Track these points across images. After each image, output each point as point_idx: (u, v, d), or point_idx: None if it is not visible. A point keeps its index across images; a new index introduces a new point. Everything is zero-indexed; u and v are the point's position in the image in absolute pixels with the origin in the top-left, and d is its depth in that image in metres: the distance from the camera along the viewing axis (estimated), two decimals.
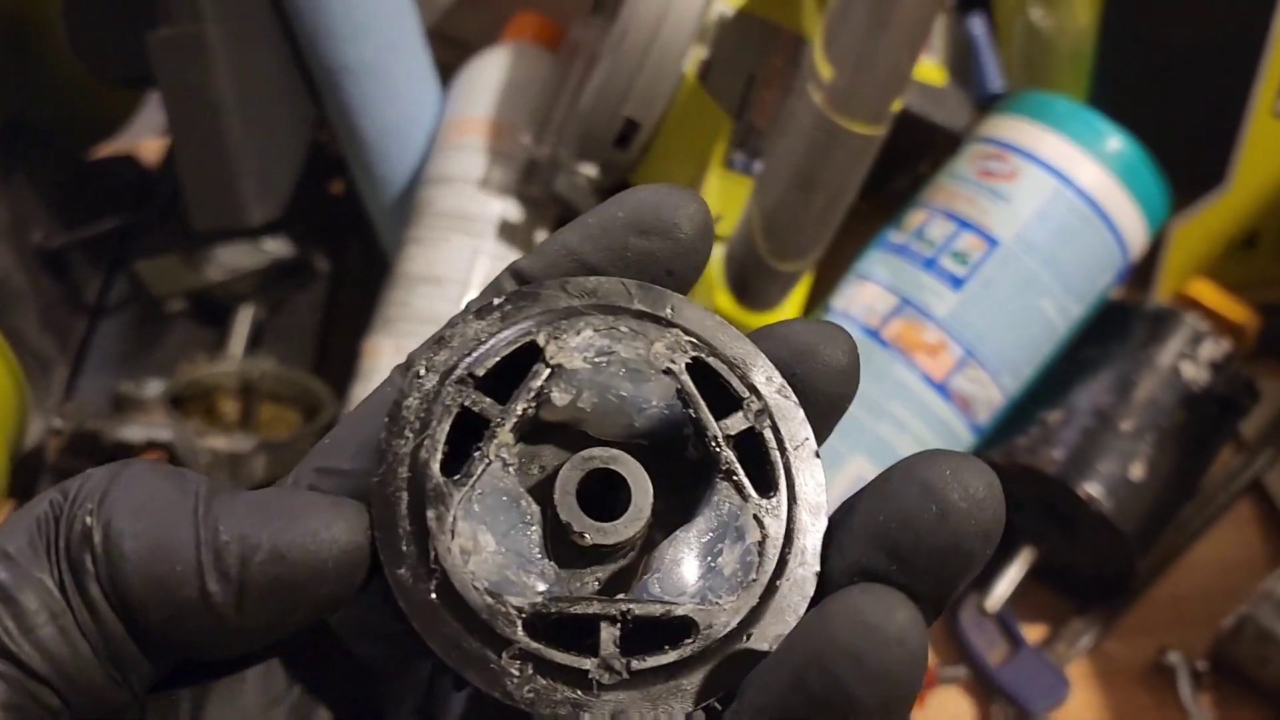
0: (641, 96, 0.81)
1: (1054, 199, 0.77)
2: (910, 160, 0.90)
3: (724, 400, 0.28)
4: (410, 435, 0.26)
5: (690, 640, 0.26)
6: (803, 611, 0.26)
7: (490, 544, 0.26)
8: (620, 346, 0.28)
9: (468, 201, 0.90)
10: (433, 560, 0.25)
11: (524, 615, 0.25)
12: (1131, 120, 0.80)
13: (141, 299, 1.04)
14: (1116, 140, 0.79)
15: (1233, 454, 0.88)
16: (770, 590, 0.26)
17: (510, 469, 0.27)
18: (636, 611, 0.26)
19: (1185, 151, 0.85)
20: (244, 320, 1.02)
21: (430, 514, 0.26)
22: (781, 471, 0.28)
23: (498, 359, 0.27)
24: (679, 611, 0.26)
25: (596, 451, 0.28)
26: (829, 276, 0.83)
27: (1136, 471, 0.76)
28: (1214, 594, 0.81)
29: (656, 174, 0.87)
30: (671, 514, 0.28)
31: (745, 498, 0.27)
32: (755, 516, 0.27)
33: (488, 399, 0.27)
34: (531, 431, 0.29)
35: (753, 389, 0.28)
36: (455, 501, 0.26)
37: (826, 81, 0.66)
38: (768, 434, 0.28)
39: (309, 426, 0.90)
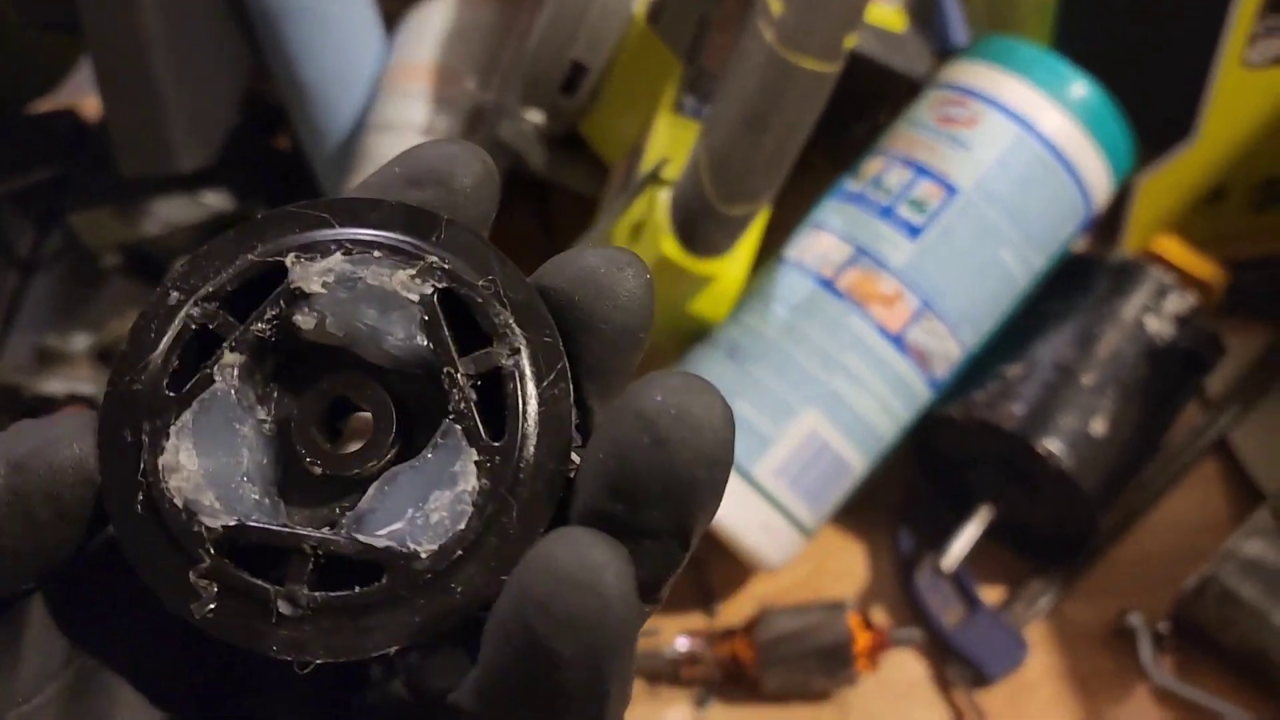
0: (589, 39, 0.78)
1: (1016, 146, 0.75)
2: (868, 110, 0.87)
3: (477, 335, 0.27)
4: (146, 351, 0.26)
5: (379, 582, 0.25)
6: (513, 567, 0.24)
7: (194, 463, 0.26)
8: (367, 273, 0.27)
9: None
10: (140, 474, 0.26)
11: (215, 535, 0.25)
12: (1097, 69, 0.77)
13: (76, 253, 1.01)
14: (1081, 86, 0.76)
15: (1197, 412, 0.86)
16: (478, 545, 0.25)
17: (234, 391, 0.27)
18: (329, 547, 0.25)
19: (1152, 102, 0.83)
20: None
21: (145, 426, 0.26)
22: (521, 416, 0.26)
23: (243, 279, 0.27)
24: (373, 553, 0.25)
25: (343, 377, 0.27)
26: (783, 228, 0.80)
27: (1098, 427, 0.73)
28: (1177, 555, 0.79)
29: (605, 120, 0.84)
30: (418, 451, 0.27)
31: (472, 442, 0.26)
32: (476, 463, 0.26)
33: (229, 318, 0.27)
34: (298, 358, 0.28)
35: (509, 326, 0.26)
36: (171, 417, 0.26)
37: (777, 16, 0.63)
38: (513, 374, 0.26)
39: None
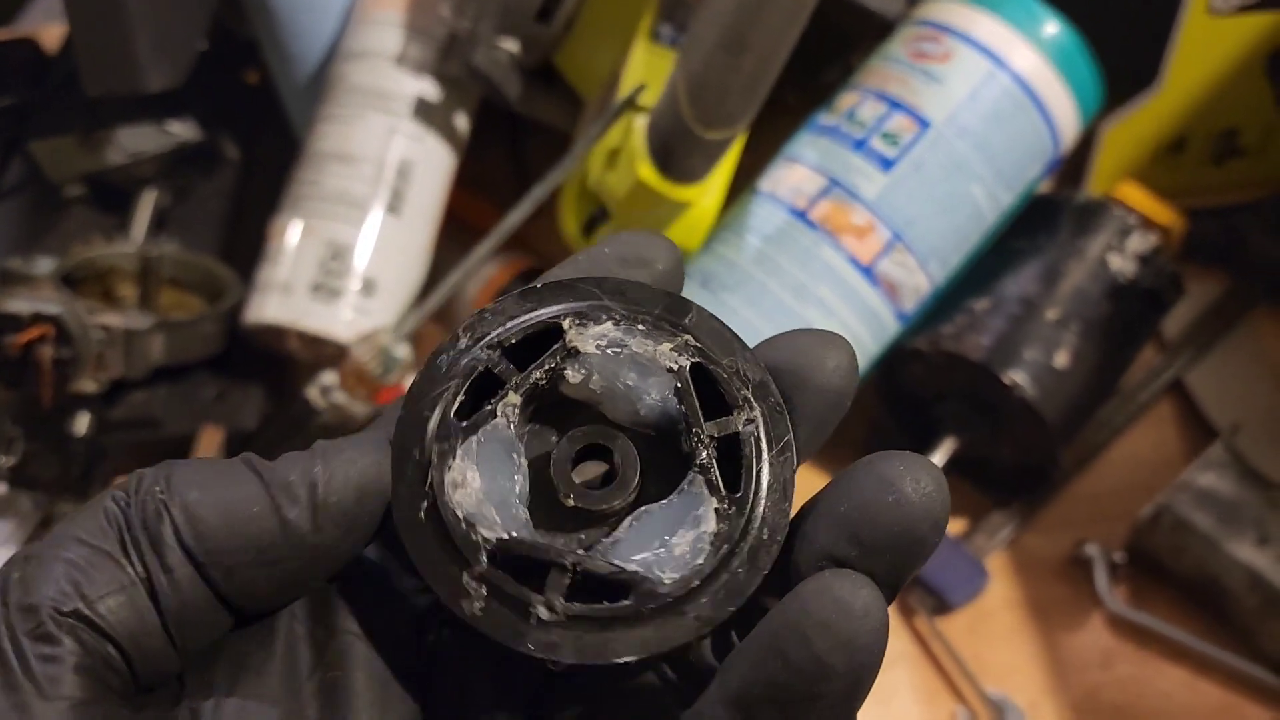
0: None
1: (987, 81, 0.76)
2: (841, 49, 0.88)
3: (720, 405, 0.31)
4: (438, 384, 0.31)
5: (628, 601, 0.29)
6: (739, 603, 0.29)
7: (477, 483, 0.30)
8: (633, 341, 0.31)
9: (384, 78, 0.86)
10: (427, 486, 0.30)
11: (490, 546, 0.29)
12: (1066, 13, 0.79)
13: (37, 183, 0.99)
14: (1053, 25, 0.77)
15: (1154, 355, 0.88)
16: (712, 578, 0.29)
17: (512, 426, 0.31)
18: (586, 564, 0.29)
19: (1118, 49, 0.84)
20: (146, 205, 0.96)
21: (435, 447, 0.30)
22: (754, 476, 0.30)
23: (525, 333, 0.31)
24: (623, 575, 0.29)
25: (597, 428, 0.32)
26: (756, 169, 0.81)
27: (1061, 360, 0.75)
28: (1132, 490, 0.81)
29: (580, 50, 0.84)
30: (656, 499, 0.31)
31: (713, 492, 0.30)
32: (716, 510, 0.30)
33: (510, 365, 0.31)
34: (554, 406, 0.32)
35: (747, 399, 0.31)
36: (458, 442, 0.30)
37: None
38: (750, 440, 0.30)
39: (212, 309, 0.86)
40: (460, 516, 0.30)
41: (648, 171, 0.70)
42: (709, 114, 0.67)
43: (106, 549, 0.27)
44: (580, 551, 0.30)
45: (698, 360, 0.31)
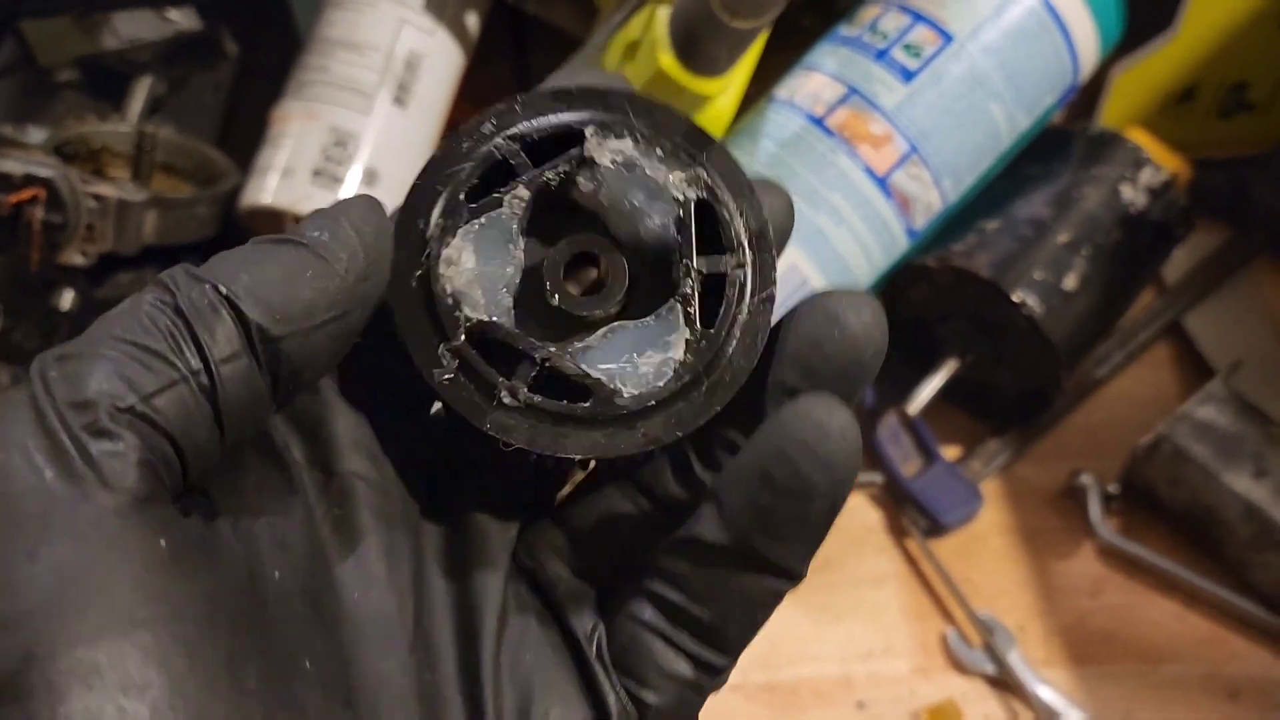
0: None
1: None
2: None
3: (716, 244, 0.32)
4: (455, 163, 0.32)
5: (586, 404, 0.31)
6: (687, 430, 0.31)
7: (471, 263, 0.31)
8: (648, 164, 0.32)
9: None
10: (424, 256, 0.31)
11: (469, 324, 0.31)
12: None
13: (28, 64, 0.96)
14: None
15: (1153, 298, 0.88)
16: (668, 402, 0.31)
17: (516, 218, 0.32)
18: (555, 362, 0.31)
19: None
20: (140, 91, 0.94)
21: (439, 222, 0.31)
22: (730, 318, 0.32)
23: (547, 133, 0.32)
24: (587, 379, 0.31)
25: (594, 237, 0.32)
26: (769, 88, 0.80)
27: (1070, 282, 0.74)
28: (1128, 427, 0.81)
29: None
30: (637, 320, 0.32)
31: (688, 323, 0.31)
32: (688, 340, 0.31)
33: (527, 160, 0.32)
34: (560, 213, 0.33)
35: (742, 244, 0.32)
36: (461, 221, 0.31)
37: None
38: (736, 283, 0.32)
39: (208, 191, 0.84)
40: (448, 291, 0.31)
41: (669, 61, 0.69)
42: (737, 2, 0.66)
43: (153, 346, 0.27)
44: (552, 349, 0.31)
45: (704, 196, 0.32)
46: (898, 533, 0.79)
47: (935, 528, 0.77)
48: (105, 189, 0.77)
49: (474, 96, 0.93)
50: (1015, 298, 0.73)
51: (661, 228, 0.33)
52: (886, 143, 0.73)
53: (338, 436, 0.33)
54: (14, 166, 0.74)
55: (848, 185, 0.73)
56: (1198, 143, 0.94)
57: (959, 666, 0.74)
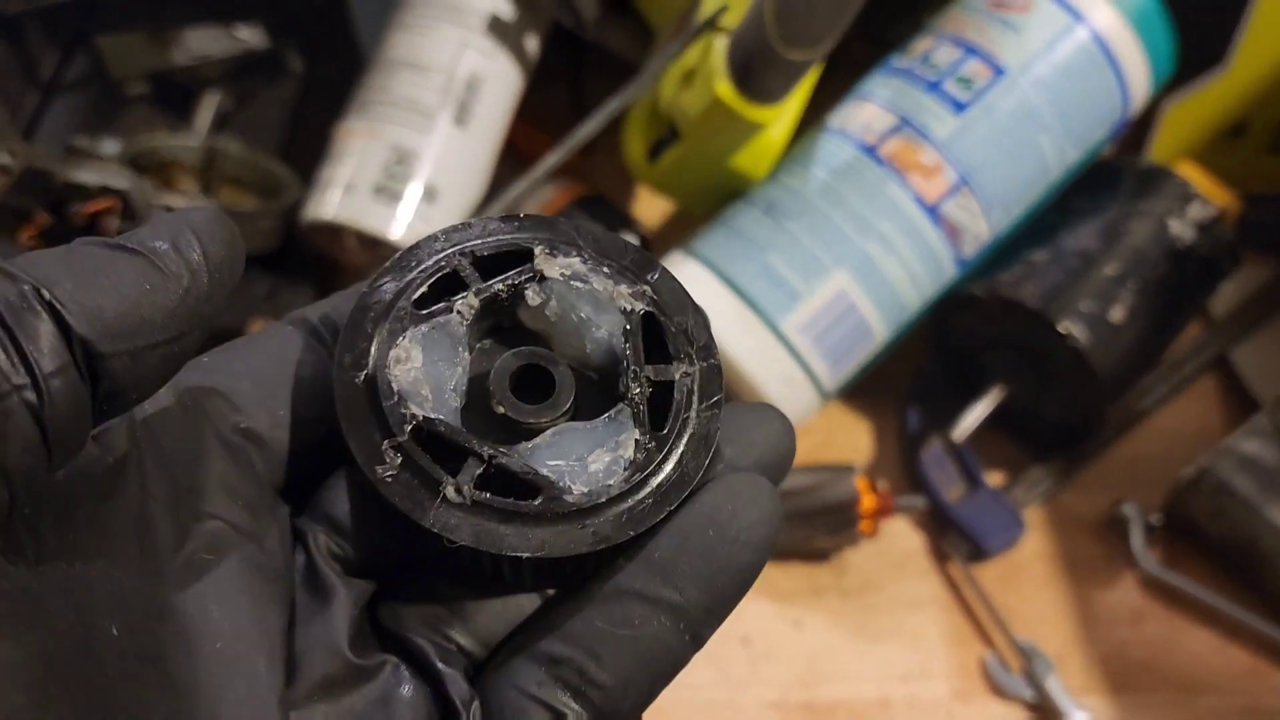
0: None
1: (1064, 34, 0.76)
2: (915, 3, 0.88)
3: (663, 356, 0.33)
4: (407, 273, 0.33)
5: (532, 502, 0.30)
6: (640, 529, 0.31)
7: (419, 362, 0.31)
8: (596, 279, 0.33)
9: None
10: (372, 356, 0.31)
11: (415, 421, 0.30)
12: None
13: (101, 78, 0.99)
14: None
15: (1200, 331, 0.88)
16: (618, 500, 0.31)
17: (465, 325, 0.32)
18: (501, 460, 0.31)
19: (1187, 26, 0.84)
20: (208, 106, 0.97)
21: (388, 326, 0.32)
22: (679, 422, 0.32)
23: (498, 249, 0.33)
24: (535, 476, 0.31)
25: (542, 351, 0.33)
26: (822, 117, 0.81)
27: (1116, 314, 0.75)
28: (1172, 459, 0.82)
29: None
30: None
31: (637, 424, 0.32)
32: (637, 441, 0.31)
33: (475, 272, 0.33)
34: (509, 333, 0.34)
35: (689, 354, 0.33)
36: (410, 324, 0.32)
37: None
38: (684, 390, 0.32)
39: (272, 204, 0.86)
40: (395, 389, 0.31)
41: (726, 89, 0.71)
42: (795, 32, 0.67)
43: None
44: (501, 449, 0.31)
45: (650, 310, 0.33)
46: (939, 557, 0.80)
47: (977, 553, 0.78)
48: (175, 200, 0.80)
49: (532, 117, 0.95)
50: (1062, 329, 0.74)
51: (608, 338, 0.33)
52: (937, 173, 0.75)
53: (208, 480, 0.29)
54: (90, 177, 0.77)
55: (898, 214, 0.74)
56: (1248, 177, 0.94)
57: (997, 691, 0.74)
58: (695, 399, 0.32)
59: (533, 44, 0.89)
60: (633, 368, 0.32)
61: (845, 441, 0.85)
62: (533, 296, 0.33)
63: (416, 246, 0.34)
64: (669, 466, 0.32)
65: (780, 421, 0.34)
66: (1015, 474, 0.83)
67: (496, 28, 0.86)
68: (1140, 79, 0.79)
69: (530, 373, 0.33)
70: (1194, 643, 0.76)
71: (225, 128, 0.98)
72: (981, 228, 0.76)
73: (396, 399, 0.31)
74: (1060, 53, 0.76)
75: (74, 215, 0.75)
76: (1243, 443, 0.76)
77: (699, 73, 0.74)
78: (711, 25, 0.74)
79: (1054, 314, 0.74)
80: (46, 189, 0.76)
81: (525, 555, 0.30)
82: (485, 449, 0.30)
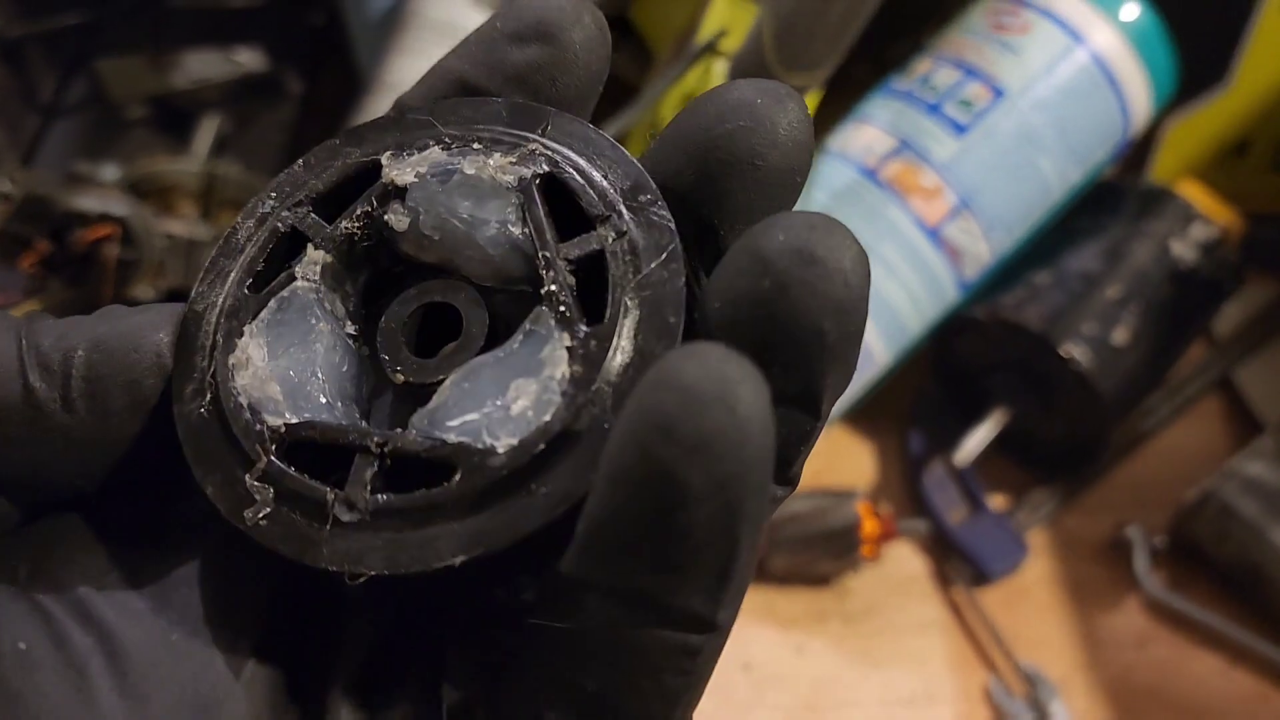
0: None
1: (1064, 56, 0.76)
2: (913, 24, 0.88)
3: (581, 220, 0.24)
4: (232, 257, 0.25)
5: (450, 483, 0.22)
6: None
7: (264, 359, 0.24)
8: (465, 162, 0.25)
9: (459, 14, 0.86)
10: (210, 374, 0.24)
11: (277, 434, 0.23)
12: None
13: (100, 101, 1.00)
14: (1134, 6, 0.77)
15: (1203, 351, 0.88)
16: (566, 438, 0.22)
17: (318, 289, 0.25)
18: (396, 443, 0.23)
19: (1189, 45, 0.84)
20: (208, 129, 0.97)
21: (222, 328, 0.24)
22: (624, 298, 0.23)
23: (335, 181, 0.26)
24: (443, 448, 0.22)
25: (434, 283, 0.25)
26: (824, 136, 0.81)
27: (1119, 337, 0.75)
28: (1176, 480, 0.81)
29: (658, 2, 0.84)
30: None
31: (565, 326, 0.23)
32: (569, 349, 0.23)
33: (319, 219, 0.25)
34: (401, 274, 0.26)
35: (614, 207, 0.24)
36: (248, 318, 0.24)
37: None
38: (620, 255, 0.24)
39: None
40: (243, 404, 0.24)
41: None
42: (794, 57, 0.67)
43: None
44: (391, 431, 0.23)
45: (545, 170, 0.25)
46: (942, 581, 0.79)
47: (980, 577, 0.78)
48: (176, 227, 0.80)
49: None
50: (1064, 351, 0.73)
51: (503, 231, 0.25)
52: (938, 196, 0.74)
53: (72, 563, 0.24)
54: (90, 204, 0.77)
55: (899, 236, 0.74)
56: (1251, 196, 0.94)
57: (1001, 716, 0.74)
58: (640, 261, 0.24)
59: None
60: (542, 253, 0.24)
61: (848, 465, 0.84)
62: (395, 219, 0.25)
63: (238, 220, 0.26)
64: (622, 362, 0.23)
65: (812, 230, 0.21)
66: (1018, 496, 0.82)
67: None
68: (1141, 99, 0.79)
69: (432, 315, 0.25)
70: (1199, 667, 0.75)
71: (225, 151, 0.98)
72: (983, 250, 0.76)
73: (248, 415, 0.23)
74: (1060, 74, 0.76)
75: (74, 242, 0.75)
76: (1247, 465, 0.75)
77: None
78: (710, 49, 0.74)
79: (1056, 337, 0.74)
80: (47, 216, 0.76)
81: (459, 560, 0.22)
82: (372, 437, 0.23)
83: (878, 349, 0.75)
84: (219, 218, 0.88)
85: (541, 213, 0.24)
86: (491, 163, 0.25)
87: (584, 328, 0.23)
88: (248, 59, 0.98)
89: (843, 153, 0.77)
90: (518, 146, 0.25)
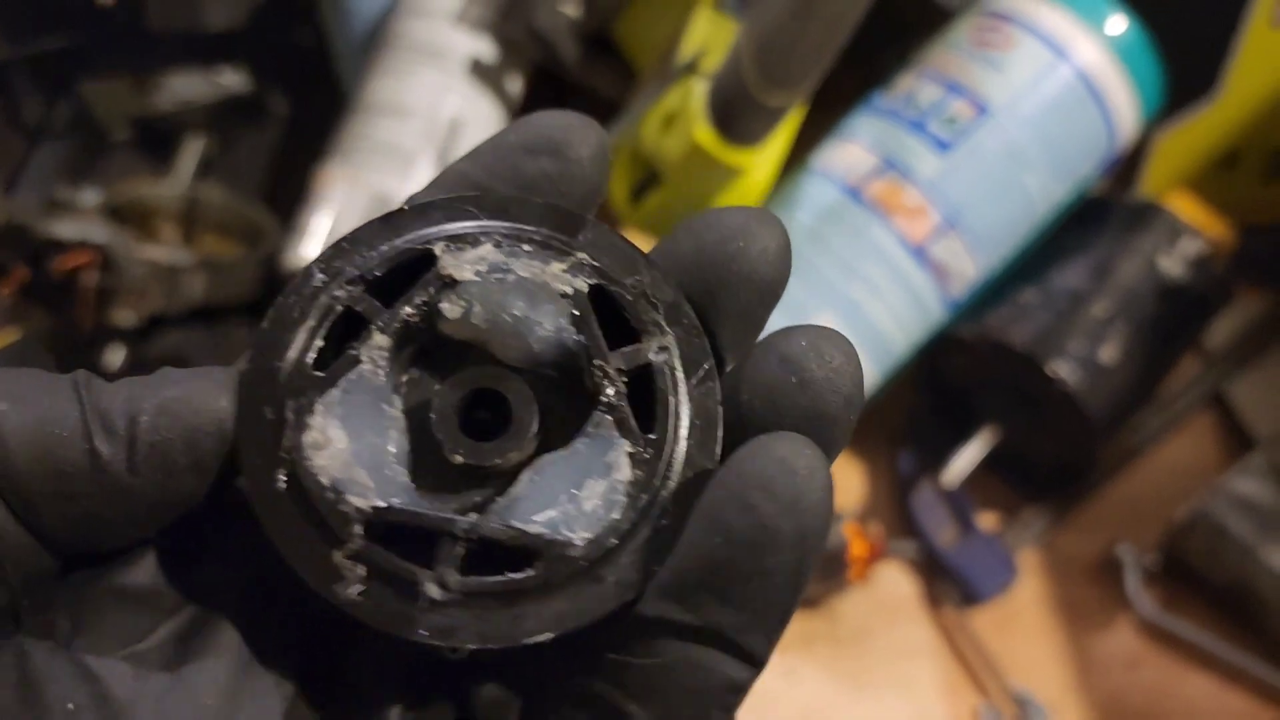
0: None
1: (1048, 71, 0.75)
2: (900, 36, 0.87)
3: (626, 332, 0.27)
4: (289, 330, 0.26)
5: (532, 569, 0.25)
6: (664, 560, 0.25)
7: (343, 442, 0.26)
8: (518, 265, 0.27)
9: (441, 35, 0.86)
10: (283, 450, 0.25)
11: (364, 516, 0.25)
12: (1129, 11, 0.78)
13: (85, 124, 0.99)
14: (1119, 20, 0.77)
15: (1195, 365, 0.87)
16: (632, 534, 0.26)
17: (382, 373, 0.26)
18: (481, 530, 0.25)
19: (1177, 57, 0.83)
20: (192, 151, 0.97)
21: (290, 404, 0.25)
22: (672, 412, 0.26)
23: (391, 264, 0.27)
24: (526, 539, 0.25)
25: (485, 370, 0.27)
26: (809, 153, 0.80)
27: (1106, 355, 0.74)
28: (1167, 497, 0.80)
29: (641, 16, 0.84)
30: (561, 444, 0.27)
31: (625, 434, 0.26)
32: (630, 455, 0.26)
33: (375, 302, 0.27)
34: (437, 352, 0.28)
35: (657, 323, 0.27)
36: (316, 396, 0.26)
37: None
38: (665, 370, 0.27)
39: (253, 252, 0.86)
40: (326, 484, 0.25)
41: (705, 134, 0.70)
42: (773, 76, 0.67)
43: None
44: (474, 516, 0.25)
45: (596, 281, 0.27)
46: (932, 603, 0.78)
47: (970, 598, 0.77)
48: (156, 253, 0.79)
49: None
50: (1051, 371, 0.73)
51: (556, 333, 0.27)
52: (921, 214, 0.74)
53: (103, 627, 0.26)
54: (68, 231, 0.76)
55: (883, 257, 0.73)
56: (1243, 208, 0.93)
57: None
58: (681, 375, 0.27)
59: (515, 86, 0.89)
60: (596, 362, 0.26)
61: (837, 485, 0.83)
62: (450, 308, 0.27)
63: (290, 291, 0.27)
64: (675, 473, 0.26)
65: (826, 357, 0.26)
66: (1008, 515, 0.82)
67: (478, 70, 0.86)
68: (1127, 113, 0.78)
69: (478, 399, 0.27)
70: (1191, 688, 0.75)
71: (209, 172, 0.98)
72: (968, 268, 0.75)
73: (331, 495, 0.25)
74: (1044, 90, 0.75)
75: (51, 270, 0.74)
76: (1238, 483, 0.75)
77: (679, 117, 0.73)
78: (691, 69, 0.73)
79: (1043, 356, 0.73)
80: (25, 243, 0.75)
81: (547, 637, 0.25)
82: (459, 524, 0.25)
83: (864, 370, 0.74)
84: (201, 241, 0.88)
85: (596, 326, 0.27)
86: (546, 270, 0.27)
87: (642, 435, 0.26)
88: (232, 80, 0.98)
89: (825, 172, 0.77)
90: (567, 255, 0.27)
